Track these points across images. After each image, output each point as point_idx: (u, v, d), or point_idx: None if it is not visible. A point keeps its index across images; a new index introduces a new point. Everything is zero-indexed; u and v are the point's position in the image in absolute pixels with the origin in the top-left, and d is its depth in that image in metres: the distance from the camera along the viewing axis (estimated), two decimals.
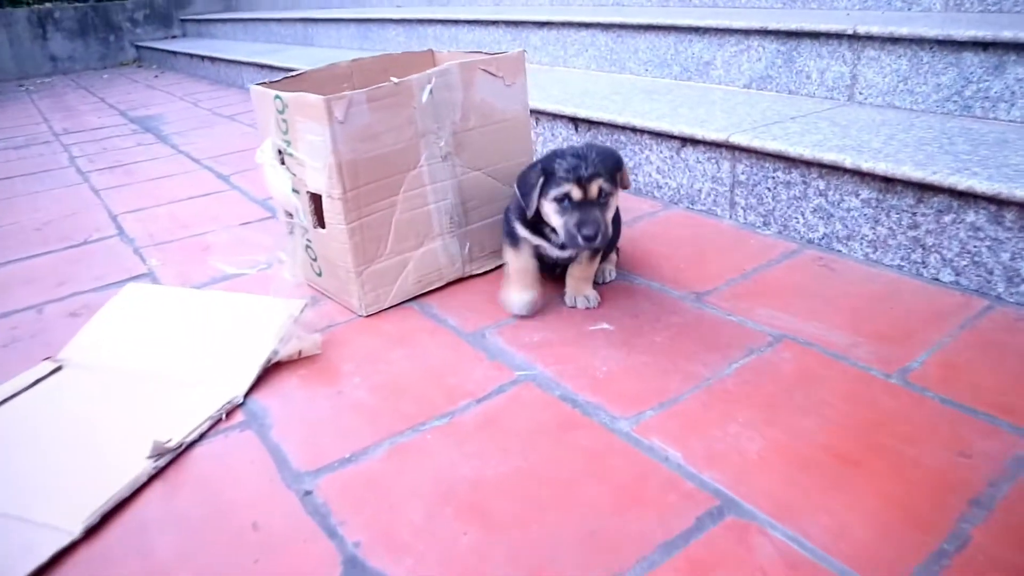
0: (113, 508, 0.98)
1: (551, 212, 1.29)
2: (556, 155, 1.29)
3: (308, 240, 1.51)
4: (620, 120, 2.01)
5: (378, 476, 1.01)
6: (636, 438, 1.04)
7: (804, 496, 0.91)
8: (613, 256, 1.57)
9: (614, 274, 1.55)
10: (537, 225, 1.36)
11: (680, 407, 1.11)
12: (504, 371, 1.23)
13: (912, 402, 1.08)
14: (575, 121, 2.22)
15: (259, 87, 1.47)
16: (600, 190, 1.25)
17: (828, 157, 1.52)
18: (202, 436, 1.12)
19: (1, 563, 0.89)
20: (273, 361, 1.29)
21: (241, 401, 1.20)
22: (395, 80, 1.36)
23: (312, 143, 1.35)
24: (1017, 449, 0.97)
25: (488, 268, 1.63)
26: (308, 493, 0.99)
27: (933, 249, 1.42)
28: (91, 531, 0.95)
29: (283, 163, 1.45)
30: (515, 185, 1.35)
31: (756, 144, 1.65)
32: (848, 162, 1.49)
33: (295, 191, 1.45)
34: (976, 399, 1.07)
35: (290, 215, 1.53)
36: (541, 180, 1.28)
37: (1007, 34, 1.60)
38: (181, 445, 1.09)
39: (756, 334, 1.29)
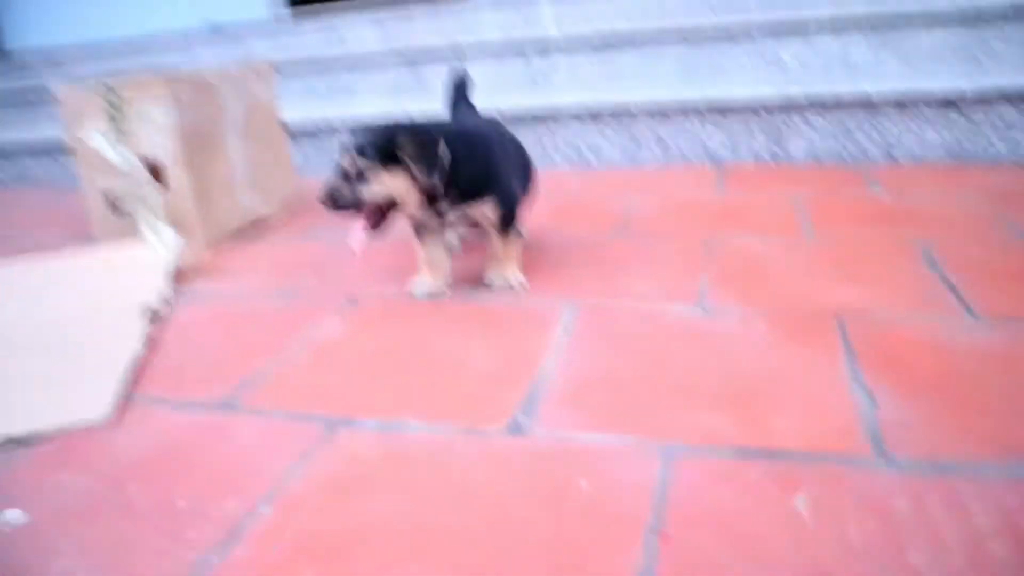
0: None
1: None
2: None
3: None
4: None
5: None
6: None
7: None
8: None
9: None
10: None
11: None
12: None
13: None
14: None
15: (76, 88, 1.86)
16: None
17: None
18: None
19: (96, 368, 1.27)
20: (173, 271, 1.73)
21: (171, 293, 1.64)
22: (208, 77, 1.93)
23: (155, 120, 1.82)
24: None
25: (274, 210, 2.23)
26: None
27: None
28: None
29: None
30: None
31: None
32: None
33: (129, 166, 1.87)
34: None
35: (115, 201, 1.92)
36: None
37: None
38: (158, 311, 1.52)
39: None
